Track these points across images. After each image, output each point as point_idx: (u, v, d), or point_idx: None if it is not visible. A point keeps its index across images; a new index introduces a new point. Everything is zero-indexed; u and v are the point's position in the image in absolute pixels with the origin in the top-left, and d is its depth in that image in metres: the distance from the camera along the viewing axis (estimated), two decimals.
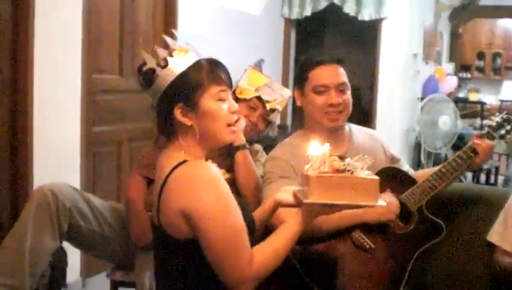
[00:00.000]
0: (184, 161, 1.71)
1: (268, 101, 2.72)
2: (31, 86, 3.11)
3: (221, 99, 1.76)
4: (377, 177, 1.68)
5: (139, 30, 4.11)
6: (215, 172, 1.69)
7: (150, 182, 2.71)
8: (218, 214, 1.64)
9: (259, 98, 2.72)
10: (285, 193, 1.94)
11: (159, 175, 1.75)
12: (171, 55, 1.75)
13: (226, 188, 1.69)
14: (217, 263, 1.66)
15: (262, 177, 2.47)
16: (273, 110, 2.75)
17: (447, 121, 5.90)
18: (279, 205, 1.95)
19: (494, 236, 2.39)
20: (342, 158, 1.72)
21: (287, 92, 2.86)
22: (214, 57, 1.82)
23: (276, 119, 2.81)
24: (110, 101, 3.88)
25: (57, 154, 3.32)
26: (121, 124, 4.00)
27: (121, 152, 4.01)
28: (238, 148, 2.47)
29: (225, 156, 2.48)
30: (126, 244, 2.60)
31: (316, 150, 1.71)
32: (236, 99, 2.49)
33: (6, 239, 2.37)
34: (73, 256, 2.97)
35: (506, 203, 2.40)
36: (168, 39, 1.82)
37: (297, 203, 1.82)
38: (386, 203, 1.74)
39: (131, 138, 4.07)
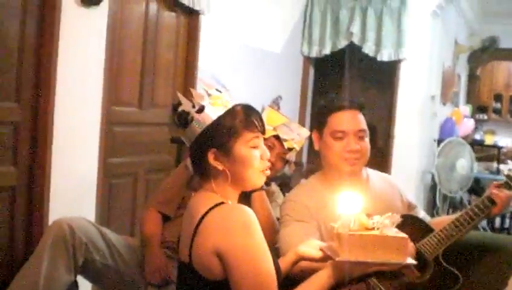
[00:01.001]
0: (221, 203, 1.74)
1: (285, 140, 2.73)
2: (51, 116, 3.13)
3: (254, 146, 1.80)
4: (406, 236, 1.70)
5: (160, 64, 4.14)
6: (252, 216, 1.72)
7: (165, 218, 2.72)
8: (251, 258, 1.67)
9: (277, 137, 2.73)
10: (308, 246, 1.96)
11: (192, 214, 1.78)
12: (208, 101, 1.81)
13: (261, 234, 1.72)
14: None
15: (278, 219, 2.47)
16: (290, 149, 2.76)
17: (465, 164, 5.87)
18: (301, 258, 1.97)
19: None
20: (369, 215, 1.74)
21: (305, 132, 2.87)
22: (248, 103, 1.86)
23: (293, 158, 2.81)
24: (128, 133, 3.90)
25: (73, 184, 3.33)
26: (138, 156, 4.01)
27: (137, 184, 4.01)
28: (255, 189, 2.48)
29: (241, 196, 2.48)
30: (140, 280, 2.60)
31: (347, 208, 1.73)
32: None
33: (21, 271, 2.38)
34: (85, 288, 2.96)
35: None
36: (207, 86, 1.87)
37: (322, 259, 1.86)
38: (415, 262, 1.77)
39: (148, 170, 4.08)
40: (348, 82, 6.69)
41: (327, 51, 6.15)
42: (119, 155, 3.82)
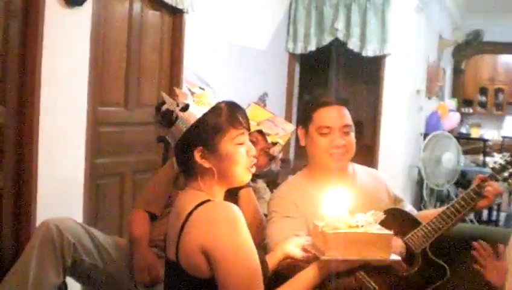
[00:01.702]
0: (207, 200, 1.75)
1: (269, 134, 2.73)
2: (36, 118, 3.12)
3: (240, 143, 1.81)
4: (389, 232, 1.72)
5: (145, 64, 4.14)
6: (237, 213, 1.72)
7: (153, 217, 2.72)
8: (238, 255, 1.67)
9: (260, 131, 2.73)
10: (293, 245, 1.99)
11: (178, 213, 1.78)
12: (192, 99, 1.80)
13: (247, 230, 1.73)
14: None
15: (266, 215, 2.47)
16: (274, 144, 2.75)
17: (451, 158, 5.91)
18: (287, 257, 1.99)
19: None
20: (352, 213, 1.76)
21: (290, 127, 2.87)
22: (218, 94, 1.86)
23: (279, 153, 2.81)
24: (114, 134, 3.89)
25: (61, 186, 3.32)
26: (124, 156, 4.01)
27: (124, 184, 4.01)
28: (241, 186, 2.48)
29: (228, 194, 2.48)
30: (129, 280, 2.60)
31: (331, 207, 1.75)
32: None
33: (9, 272, 2.37)
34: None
35: (506, 248, 2.40)
36: (190, 84, 1.86)
37: (307, 258, 1.88)
38: (399, 258, 1.79)
39: (135, 170, 4.08)
40: (333, 78, 6.72)
41: (312, 47, 6.16)
42: (105, 155, 3.81)
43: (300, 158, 5.59)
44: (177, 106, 1.79)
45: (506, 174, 2.46)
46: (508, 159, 2.49)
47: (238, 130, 1.80)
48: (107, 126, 3.81)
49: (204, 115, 1.78)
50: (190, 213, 1.72)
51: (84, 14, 3.39)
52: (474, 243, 2.39)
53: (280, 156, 2.85)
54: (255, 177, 2.84)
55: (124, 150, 3.99)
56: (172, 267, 1.78)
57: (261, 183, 2.89)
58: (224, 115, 1.79)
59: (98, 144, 3.68)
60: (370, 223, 1.74)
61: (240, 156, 1.80)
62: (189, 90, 1.83)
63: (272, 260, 1.98)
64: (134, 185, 4.05)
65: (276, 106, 5.88)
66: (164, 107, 1.80)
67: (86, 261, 2.44)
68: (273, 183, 3.98)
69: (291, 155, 6.41)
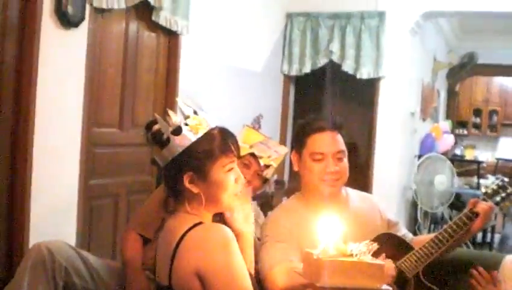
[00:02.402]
0: (199, 223, 1.75)
1: (261, 157, 2.73)
2: (30, 138, 3.12)
3: (230, 170, 1.81)
4: (383, 263, 1.74)
5: (140, 85, 4.14)
6: (229, 235, 1.73)
7: (145, 240, 2.71)
8: (232, 276, 1.69)
9: (253, 154, 2.74)
10: None
11: (169, 236, 1.78)
12: (185, 123, 1.80)
13: (239, 251, 1.74)
14: None
15: (259, 239, 2.47)
16: (267, 167, 2.75)
17: (443, 180, 5.92)
18: None
19: None
20: (346, 241, 1.77)
21: (283, 149, 2.88)
22: (213, 116, 1.87)
23: (272, 176, 2.82)
24: (108, 154, 3.89)
25: (54, 206, 3.32)
26: (119, 177, 4.00)
27: (119, 205, 3.99)
28: None
29: (220, 217, 2.48)
30: None
31: (326, 234, 1.76)
32: None
33: None
34: None
35: (499, 271, 2.41)
36: (183, 105, 1.87)
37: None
38: (390, 288, 1.81)
39: (129, 191, 4.07)
40: (328, 100, 6.76)
41: (307, 69, 6.18)
42: (100, 176, 3.81)
43: (294, 180, 5.61)
44: (170, 128, 1.79)
45: (498, 198, 2.48)
46: (500, 183, 2.51)
47: (229, 157, 1.81)
48: (102, 147, 3.80)
49: (197, 140, 1.78)
50: (182, 236, 1.72)
51: (80, 35, 3.40)
52: (473, 270, 2.39)
53: (274, 178, 2.85)
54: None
55: (118, 171, 3.99)
56: None
57: (254, 207, 2.88)
58: (216, 142, 1.80)
59: (92, 164, 3.68)
60: (363, 252, 1.76)
61: (229, 183, 1.81)
62: (182, 112, 1.83)
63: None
64: (129, 206, 4.04)
65: (271, 127, 5.90)
66: (155, 127, 1.81)
67: (78, 284, 2.42)
68: (267, 205, 3.99)
69: (286, 177, 6.41)
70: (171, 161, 1.79)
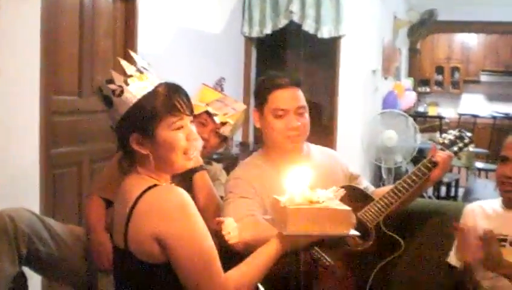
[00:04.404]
0: (154, 185, 1.72)
1: (216, 115, 2.72)
2: None
3: (178, 128, 1.74)
4: (349, 208, 1.75)
5: (98, 50, 4.09)
6: (186, 196, 1.70)
7: (109, 203, 2.70)
8: (192, 239, 1.66)
9: (208, 112, 2.72)
10: None
11: (124, 199, 1.74)
12: (126, 83, 1.74)
13: (197, 213, 1.71)
14: (192, 287, 1.68)
15: (222, 197, 2.48)
16: (224, 124, 2.74)
17: (392, 135, 5.94)
18: None
19: (453, 258, 2.44)
20: (313, 189, 1.78)
21: (240, 106, 2.86)
22: (173, 81, 1.80)
23: (229, 133, 2.79)
24: (69, 122, 3.85)
25: (16, 177, 3.28)
26: (81, 145, 3.96)
27: (82, 173, 3.97)
28: (195, 170, 2.47)
29: (182, 178, 2.48)
30: (87, 268, 2.58)
31: (292, 183, 1.76)
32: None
33: None
34: (34, 281, 2.92)
35: (461, 219, 2.46)
36: (125, 63, 1.80)
37: None
38: (359, 233, 1.82)
39: (92, 159, 4.04)
40: (290, 61, 6.74)
41: (268, 30, 6.16)
42: (61, 145, 3.77)
43: (260, 141, 5.64)
44: (113, 92, 1.73)
45: (455, 148, 2.52)
46: (457, 134, 2.55)
47: (175, 116, 1.73)
48: (61, 115, 3.75)
49: (140, 100, 1.71)
50: (137, 199, 1.69)
51: (33, 3, 3.33)
52: (454, 224, 2.34)
53: (230, 134, 2.81)
54: (209, 159, 2.84)
55: (80, 139, 3.95)
56: (121, 254, 1.75)
57: (216, 165, 2.88)
58: (160, 100, 1.72)
59: (52, 133, 3.62)
60: (330, 199, 1.77)
61: (178, 143, 1.74)
62: (124, 71, 1.77)
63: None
64: (92, 174, 4.02)
65: (234, 90, 5.88)
66: (103, 92, 1.76)
67: (42, 251, 2.40)
68: (232, 166, 3.99)
69: (251, 138, 6.42)
70: (118, 122, 1.75)
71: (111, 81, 1.76)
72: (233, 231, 2.04)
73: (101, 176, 2.78)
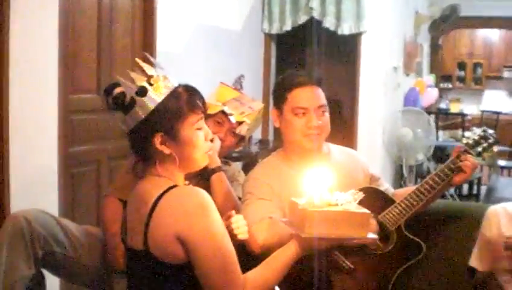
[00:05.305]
0: (173, 186, 1.74)
1: (231, 114, 2.68)
2: (6, 108, 3.06)
3: (199, 128, 1.79)
4: (368, 211, 1.75)
5: (116, 49, 4.07)
6: (207, 197, 1.72)
7: (125, 204, 2.68)
8: (213, 238, 1.68)
9: (224, 112, 2.69)
10: None
11: (142, 200, 1.75)
12: (149, 83, 1.75)
13: (217, 213, 1.73)
14: (211, 288, 1.70)
15: (240, 198, 2.45)
16: (240, 123, 2.70)
17: (414, 133, 5.87)
18: None
19: (475, 261, 2.38)
20: (332, 191, 1.77)
21: (258, 105, 2.82)
22: (192, 79, 1.85)
23: (247, 133, 2.75)
24: (88, 121, 3.84)
25: (34, 176, 3.28)
26: (99, 143, 3.95)
27: (100, 172, 3.96)
28: (213, 170, 2.45)
29: (200, 179, 2.45)
30: (103, 269, 2.56)
31: (311, 185, 1.75)
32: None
33: None
34: (53, 282, 2.92)
35: (483, 221, 2.40)
36: (145, 66, 1.81)
37: None
38: (377, 236, 1.81)
39: (111, 157, 4.03)
40: (310, 58, 6.68)
41: (288, 27, 6.11)
42: (79, 144, 3.76)
43: (279, 139, 5.62)
44: (136, 92, 1.74)
45: (479, 149, 2.46)
46: (481, 133, 2.48)
47: (197, 115, 1.78)
48: (80, 113, 3.75)
49: (164, 100, 1.74)
50: (157, 200, 1.70)
51: (51, 1, 3.32)
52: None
53: (248, 133, 2.76)
54: (227, 159, 2.81)
55: (98, 137, 3.93)
56: (139, 256, 1.75)
57: (234, 166, 2.85)
58: (183, 100, 1.76)
59: (71, 132, 3.62)
60: (349, 201, 1.76)
61: (200, 141, 1.80)
62: (145, 72, 1.78)
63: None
64: (111, 172, 4.01)
65: (253, 87, 5.85)
66: (117, 90, 1.75)
67: (58, 252, 2.39)
68: (251, 165, 3.96)
69: (271, 136, 6.38)
70: (138, 123, 1.75)
71: (115, 85, 1.79)
72: (242, 226, 2.02)
73: (119, 177, 2.76)
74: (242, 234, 2.00)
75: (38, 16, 3.25)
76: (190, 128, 1.77)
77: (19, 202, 3.06)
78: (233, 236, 1.91)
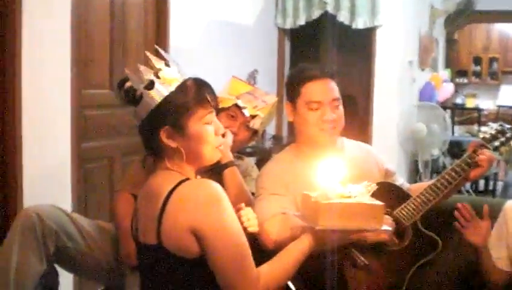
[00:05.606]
0: (185, 179, 1.72)
1: (245, 108, 2.65)
2: (18, 103, 3.06)
3: (208, 122, 1.76)
4: (382, 203, 1.74)
5: (129, 44, 4.06)
6: (220, 189, 1.71)
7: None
8: (227, 230, 1.67)
9: (237, 105, 2.66)
10: None
11: (154, 195, 1.73)
12: (157, 76, 1.73)
13: (231, 206, 1.72)
14: (226, 281, 1.69)
15: (253, 193, 2.43)
16: (253, 117, 2.68)
17: (429, 128, 5.82)
18: None
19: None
20: (345, 183, 1.76)
21: (271, 98, 2.79)
22: (205, 74, 1.83)
23: (260, 126, 2.72)
24: (100, 116, 3.83)
25: (47, 172, 3.28)
26: (112, 139, 3.95)
27: (114, 168, 3.95)
28: (226, 165, 2.43)
29: (212, 173, 2.43)
30: (116, 264, 2.55)
31: (324, 177, 1.73)
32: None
33: None
34: (66, 277, 2.91)
35: (500, 216, 2.37)
36: (153, 58, 1.80)
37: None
38: (390, 228, 1.80)
39: (124, 152, 4.02)
40: (324, 52, 6.63)
41: (302, 21, 6.07)
42: (93, 139, 3.76)
43: (293, 135, 5.59)
44: (142, 83, 1.73)
45: (496, 143, 2.42)
46: (498, 128, 2.45)
47: (206, 109, 1.75)
48: (93, 109, 3.74)
49: (171, 93, 1.72)
50: (169, 194, 1.68)
51: None
52: (458, 204, 2.35)
53: (261, 127, 2.74)
54: (240, 154, 2.79)
55: (111, 133, 3.93)
56: (151, 251, 1.74)
57: (247, 161, 2.83)
58: (191, 93, 1.74)
59: (84, 127, 3.62)
60: (362, 193, 1.74)
61: (208, 136, 1.77)
62: (154, 66, 1.76)
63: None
64: (124, 168, 3.99)
65: (267, 82, 5.81)
66: (127, 84, 1.74)
67: (70, 247, 2.39)
68: (265, 160, 3.94)
69: (285, 132, 6.35)
70: (146, 117, 1.74)
71: (126, 79, 1.79)
72: (252, 219, 2.01)
73: (131, 172, 2.75)
74: (252, 227, 1.99)
75: (50, 11, 3.25)
76: (198, 122, 1.74)
77: (31, 198, 3.06)
78: (243, 229, 1.89)
